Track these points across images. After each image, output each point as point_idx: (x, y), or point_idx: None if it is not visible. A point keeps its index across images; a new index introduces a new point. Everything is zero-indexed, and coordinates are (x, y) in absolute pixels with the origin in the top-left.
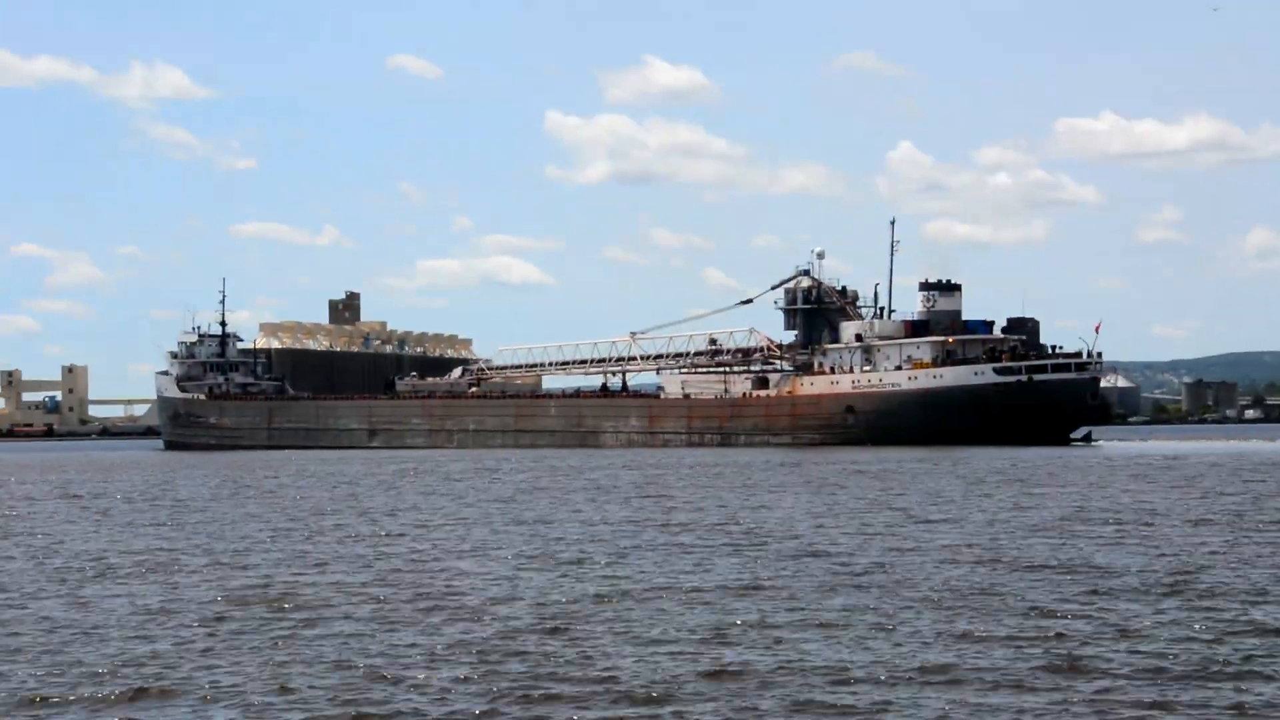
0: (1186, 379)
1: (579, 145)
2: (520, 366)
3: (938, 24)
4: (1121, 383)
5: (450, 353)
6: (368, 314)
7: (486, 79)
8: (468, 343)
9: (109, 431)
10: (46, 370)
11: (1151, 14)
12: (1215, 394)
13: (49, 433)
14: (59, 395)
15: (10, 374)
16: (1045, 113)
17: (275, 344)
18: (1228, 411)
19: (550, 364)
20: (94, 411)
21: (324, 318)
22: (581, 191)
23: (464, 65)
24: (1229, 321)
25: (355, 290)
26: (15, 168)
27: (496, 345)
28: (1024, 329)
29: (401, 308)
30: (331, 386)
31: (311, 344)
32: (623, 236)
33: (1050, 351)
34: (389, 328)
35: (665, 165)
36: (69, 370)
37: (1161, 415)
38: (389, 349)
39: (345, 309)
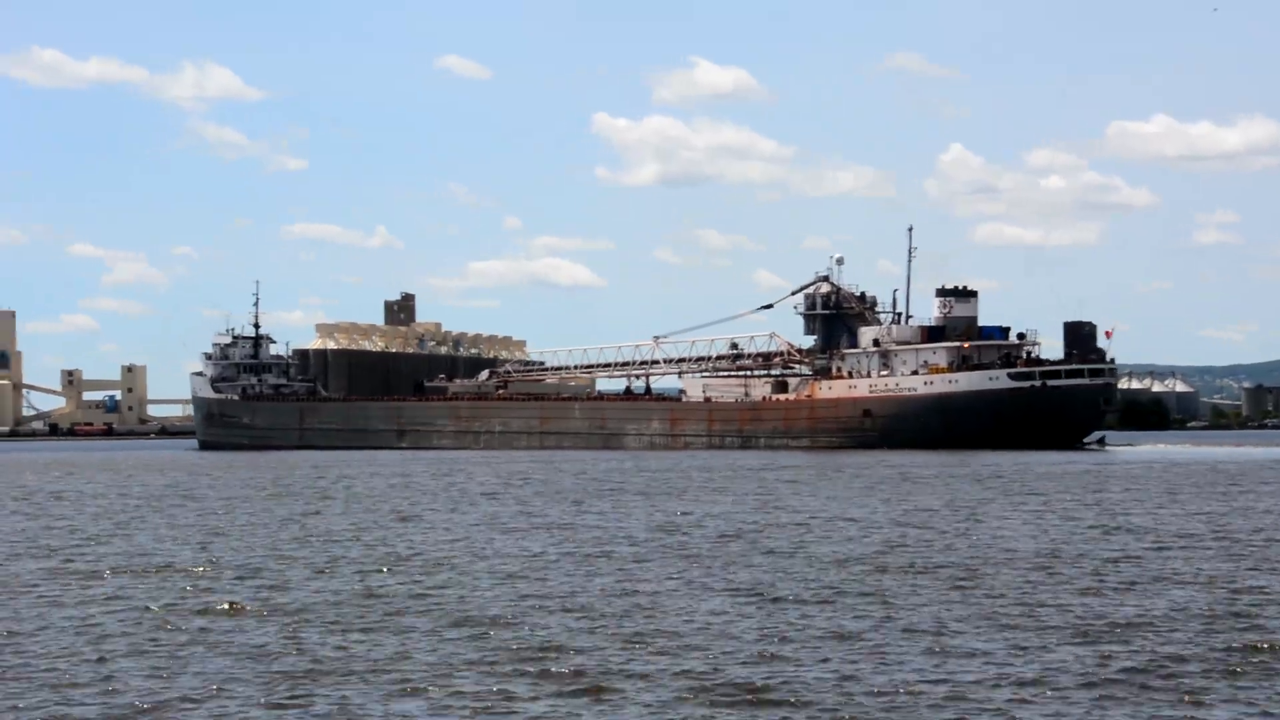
0: (1246, 384)
1: (627, 146)
2: (547, 369)
3: (983, 25)
4: (1180, 387)
5: (504, 354)
6: (422, 315)
7: (534, 80)
8: (522, 344)
9: (167, 431)
10: (104, 368)
11: (1203, 16)
12: (1275, 399)
13: (109, 432)
14: (119, 394)
15: (71, 373)
16: (1096, 115)
17: (331, 345)
18: None
19: (575, 367)
20: (153, 411)
21: (377, 318)
22: (630, 193)
23: (512, 66)
24: None
25: (410, 291)
26: (69, 168)
27: (549, 347)
28: (1080, 333)
29: (455, 308)
30: (387, 388)
31: (367, 345)
32: (672, 238)
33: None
34: (443, 329)
35: (714, 166)
36: (128, 370)
37: (1221, 420)
38: (444, 350)
39: (400, 310)
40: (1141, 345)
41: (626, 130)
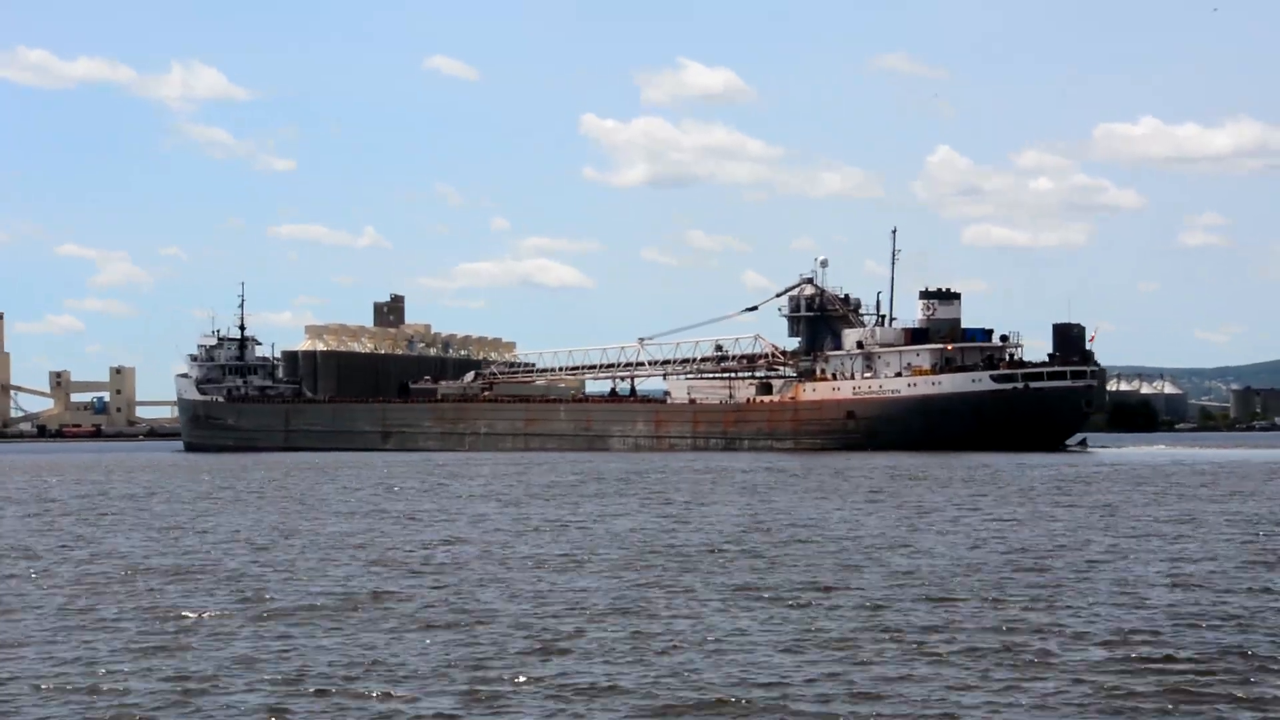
0: (1234, 386)
1: (616, 147)
2: (532, 370)
3: (971, 27)
4: (1169, 389)
5: (494, 355)
6: (412, 316)
7: (522, 81)
8: (511, 345)
9: (156, 432)
10: (92, 370)
11: (1191, 18)
12: (1264, 401)
13: (97, 433)
14: (107, 396)
15: (59, 375)
16: (1083, 117)
17: (320, 346)
18: (1277, 419)
19: (560, 369)
20: (141, 412)
21: (367, 319)
22: (619, 194)
23: (500, 67)
24: (1278, 327)
25: (399, 292)
26: (56, 168)
27: (538, 348)
28: (1069, 335)
29: (444, 309)
30: (376, 389)
31: (356, 346)
32: (661, 238)
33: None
34: (433, 330)
35: (702, 167)
36: (117, 371)
37: (1209, 423)
38: (433, 351)
39: (390, 311)
40: (1130, 347)
41: (615, 131)
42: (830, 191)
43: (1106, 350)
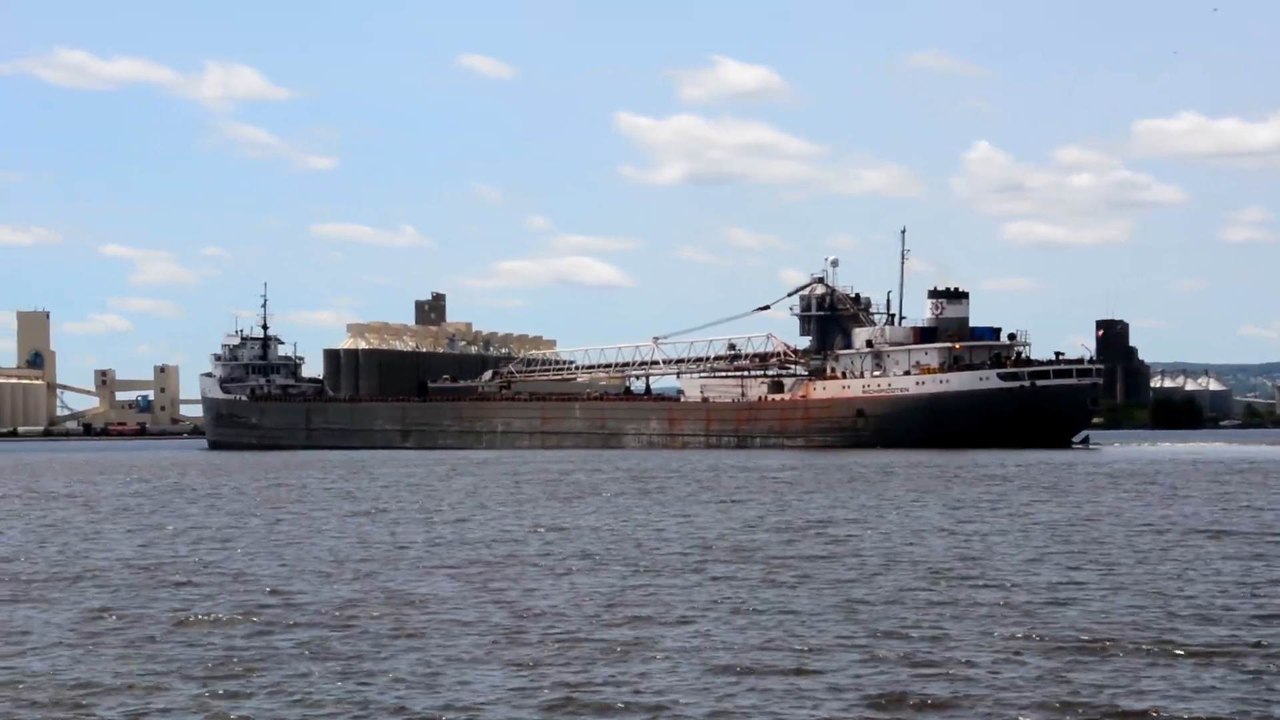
0: None
1: (653, 145)
2: (549, 366)
3: (1009, 22)
4: (1214, 386)
5: (534, 353)
6: (452, 314)
7: (557, 79)
8: (552, 343)
9: (200, 430)
10: (136, 369)
11: (1225, 13)
12: None
13: (142, 431)
14: (151, 394)
15: (104, 374)
16: (1122, 113)
17: (362, 344)
18: None
19: (577, 367)
20: (185, 411)
21: (408, 318)
22: (657, 191)
23: (535, 65)
24: None
25: (440, 291)
26: (97, 169)
27: (579, 345)
28: (1113, 331)
29: (485, 308)
30: (419, 388)
31: (398, 345)
32: (700, 237)
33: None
34: (474, 328)
35: (739, 165)
36: (161, 370)
37: (1254, 419)
38: (474, 350)
39: (431, 310)
40: (1175, 343)
41: (651, 129)
42: (869, 189)
43: (1150, 347)
